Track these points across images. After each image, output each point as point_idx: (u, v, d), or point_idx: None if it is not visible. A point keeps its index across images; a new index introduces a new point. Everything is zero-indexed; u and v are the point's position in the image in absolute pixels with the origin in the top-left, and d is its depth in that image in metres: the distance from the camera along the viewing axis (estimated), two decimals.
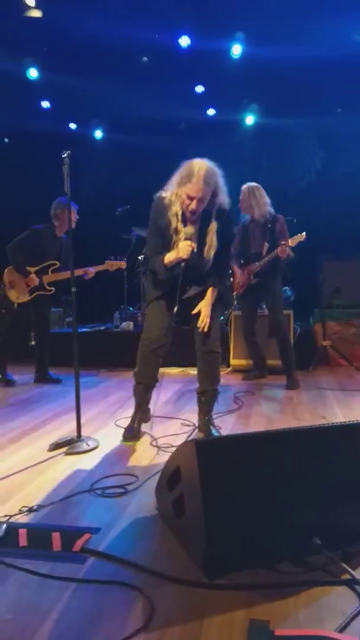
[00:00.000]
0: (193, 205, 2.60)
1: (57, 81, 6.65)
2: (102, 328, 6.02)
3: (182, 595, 1.48)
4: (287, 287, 6.07)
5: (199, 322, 2.78)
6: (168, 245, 2.72)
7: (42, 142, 7.09)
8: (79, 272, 4.36)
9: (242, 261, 4.49)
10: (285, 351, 4.34)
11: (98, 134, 7.81)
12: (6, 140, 7.92)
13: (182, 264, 2.63)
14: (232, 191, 7.64)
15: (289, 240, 4.17)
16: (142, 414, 2.98)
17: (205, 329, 2.78)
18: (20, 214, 7.27)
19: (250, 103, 7.23)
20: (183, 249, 2.62)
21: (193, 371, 3.69)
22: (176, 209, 2.65)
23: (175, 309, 2.65)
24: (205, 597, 1.47)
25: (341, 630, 1.32)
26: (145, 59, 6.48)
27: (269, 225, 4.30)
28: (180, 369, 5.12)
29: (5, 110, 6.95)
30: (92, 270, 4.51)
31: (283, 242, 4.12)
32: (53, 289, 4.59)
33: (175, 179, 2.66)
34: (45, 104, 7.21)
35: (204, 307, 2.79)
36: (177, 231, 2.67)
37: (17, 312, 4.60)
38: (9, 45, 5.94)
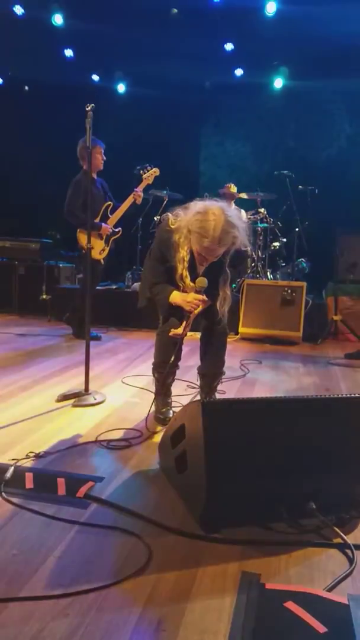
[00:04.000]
0: (203, 262, 2.40)
1: (82, 29, 6.46)
2: (114, 287, 6.04)
3: (179, 545, 1.54)
4: (302, 259, 6.04)
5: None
6: (171, 278, 2.47)
7: (63, 92, 6.97)
8: (130, 200, 4.53)
9: None
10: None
11: (121, 87, 7.64)
12: (26, 88, 7.77)
13: (188, 315, 2.41)
14: (255, 157, 7.43)
15: None
16: (166, 399, 2.70)
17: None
18: (37, 163, 7.27)
19: (280, 65, 7.00)
20: (190, 302, 2.37)
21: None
22: (184, 253, 2.38)
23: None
24: (201, 548, 1.53)
25: (330, 589, 1.37)
26: (175, 10, 6.26)
27: None
28: (190, 333, 5.16)
29: (27, 57, 6.80)
30: (138, 192, 4.54)
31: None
32: (120, 229, 4.66)
33: (186, 216, 2.34)
34: (69, 53, 7.04)
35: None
36: (182, 278, 2.42)
37: (101, 270, 4.67)
38: None
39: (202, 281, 2.36)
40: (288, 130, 7.27)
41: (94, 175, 4.54)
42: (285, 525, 1.65)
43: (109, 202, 4.61)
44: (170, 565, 1.45)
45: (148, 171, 4.67)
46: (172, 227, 2.40)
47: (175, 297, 2.44)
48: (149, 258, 2.65)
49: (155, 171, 4.67)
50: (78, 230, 4.40)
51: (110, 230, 4.57)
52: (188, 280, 2.43)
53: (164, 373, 2.61)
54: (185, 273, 2.42)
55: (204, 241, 2.26)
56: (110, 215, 4.60)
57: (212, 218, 2.24)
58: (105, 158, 4.49)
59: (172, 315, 2.54)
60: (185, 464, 1.75)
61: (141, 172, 4.71)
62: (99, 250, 4.54)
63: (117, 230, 4.65)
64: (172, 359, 2.54)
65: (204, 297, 2.39)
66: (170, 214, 2.45)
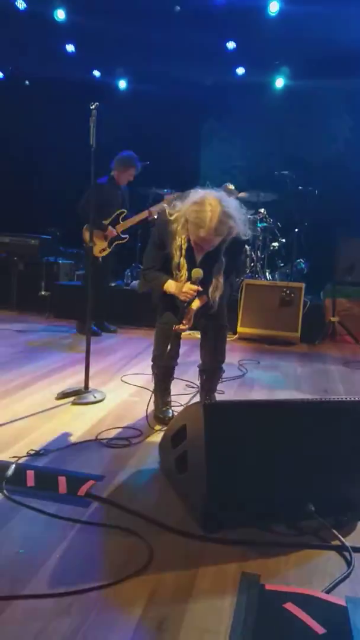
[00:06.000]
0: (200, 251, 2.42)
1: (85, 24, 6.43)
2: (112, 285, 6.02)
3: (179, 545, 1.56)
4: (301, 260, 6.05)
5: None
6: (168, 265, 2.50)
7: (64, 88, 6.94)
8: (143, 215, 4.73)
9: None
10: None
11: (122, 84, 7.61)
12: (27, 82, 7.73)
13: (184, 304, 2.45)
14: (255, 156, 7.44)
15: None
16: (165, 398, 2.73)
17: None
18: (37, 158, 7.25)
19: (282, 65, 6.99)
20: (185, 293, 2.41)
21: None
22: (181, 241, 2.42)
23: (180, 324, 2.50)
24: (201, 548, 1.55)
25: (328, 591, 1.39)
26: (178, 8, 6.22)
27: None
28: (187, 332, 5.16)
29: (28, 51, 6.77)
30: (153, 211, 4.70)
31: None
32: (127, 236, 4.88)
33: (184, 206, 2.35)
34: (70, 48, 6.99)
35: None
36: (179, 267, 2.45)
37: (99, 266, 4.78)
38: None
39: (198, 272, 2.39)
40: (289, 130, 7.26)
41: (119, 183, 4.84)
42: (284, 527, 1.67)
43: (123, 210, 4.82)
44: (171, 565, 1.46)
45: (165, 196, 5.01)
46: (170, 217, 2.42)
47: (170, 285, 2.48)
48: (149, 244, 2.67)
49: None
50: (85, 226, 4.62)
51: (115, 234, 4.78)
52: (184, 269, 2.44)
53: (163, 366, 2.64)
54: (183, 262, 2.45)
55: (200, 231, 2.29)
56: (121, 222, 4.81)
57: (209, 209, 2.26)
58: (133, 179, 4.88)
59: (165, 305, 2.58)
60: (186, 465, 1.76)
61: (163, 194, 5.09)
62: (100, 248, 4.74)
63: (124, 236, 4.86)
64: (169, 347, 2.57)
65: (199, 288, 2.41)
66: (166, 205, 2.50)
